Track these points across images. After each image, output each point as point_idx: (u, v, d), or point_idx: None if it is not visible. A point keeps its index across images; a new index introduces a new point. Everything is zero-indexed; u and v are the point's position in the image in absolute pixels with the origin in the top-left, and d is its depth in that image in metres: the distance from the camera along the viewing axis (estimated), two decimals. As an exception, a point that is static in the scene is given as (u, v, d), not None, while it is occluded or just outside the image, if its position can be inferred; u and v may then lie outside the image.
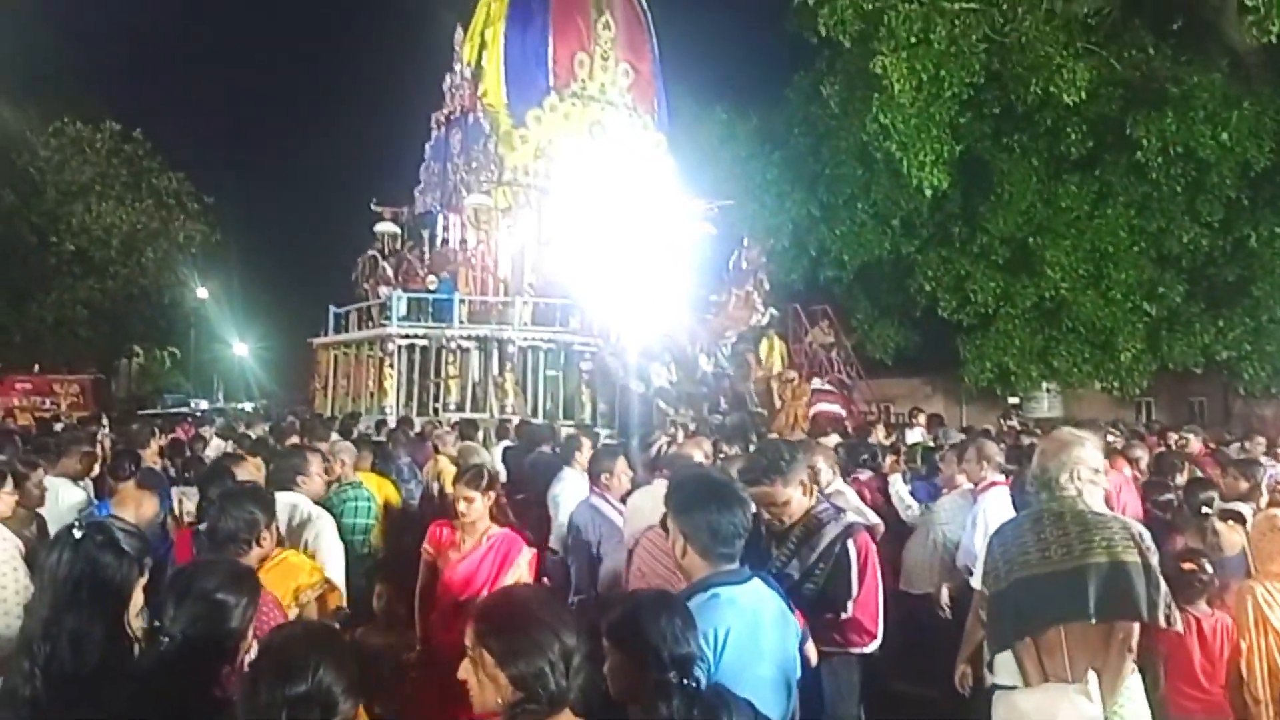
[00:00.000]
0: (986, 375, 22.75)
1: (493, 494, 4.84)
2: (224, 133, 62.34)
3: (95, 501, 6.24)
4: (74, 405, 25.03)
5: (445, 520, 4.99)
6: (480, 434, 12.22)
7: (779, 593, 2.96)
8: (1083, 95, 17.99)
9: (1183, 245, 20.42)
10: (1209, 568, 4.28)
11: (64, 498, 6.01)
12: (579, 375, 17.70)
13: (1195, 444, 8.80)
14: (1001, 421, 16.07)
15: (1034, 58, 18.33)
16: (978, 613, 4.41)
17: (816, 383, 17.59)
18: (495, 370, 17.52)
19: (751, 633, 2.74)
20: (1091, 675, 3.24)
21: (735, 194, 21.86)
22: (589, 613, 4.73)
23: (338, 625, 3.90)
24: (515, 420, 14.10)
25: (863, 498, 6.00)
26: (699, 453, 5.81)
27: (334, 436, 9.37)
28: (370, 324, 19.43)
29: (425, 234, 20.86)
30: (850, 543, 3.74)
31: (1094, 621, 3.26)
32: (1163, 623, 3.27)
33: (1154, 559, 3.33)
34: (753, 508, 3.11)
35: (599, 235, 18.10)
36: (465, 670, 2.10)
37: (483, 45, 20.90)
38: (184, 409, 30.36)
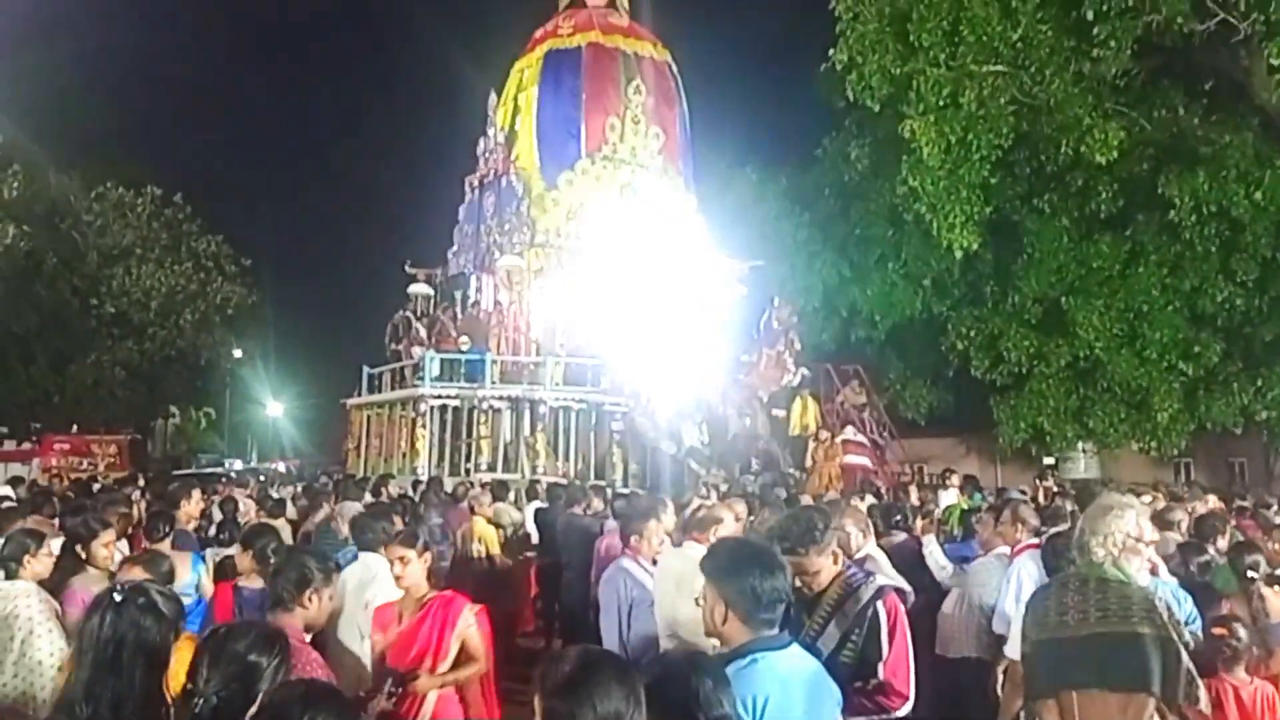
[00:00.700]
0: (1021, 435, 22.52)
1: (429, 556, 4.65)
2: (262, 196, 63.54)
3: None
4: (110, 466, 25.25)
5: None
6: (511, 495, 12.24)
7: (817, 659, 2.94)
8: (1114, 155, 17.97)
9: (1218, 304, 20.25)
10: (1242, 634, 4.20)
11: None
12: (610, 436, 17.70)
13: (1202, 509, 8.63)
14: (1037, 482, 15.89)
15: (1063, 119, 18.34)
16: (1014, 680, 4.36)
17: (849, 432, 17.51)
18: (527, 430, 17.57)
19: (791, 700, 2.72)
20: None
21: (766, 254, 21.94)
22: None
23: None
24: (545, 481, 14.12)
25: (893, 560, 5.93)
26: (730, 515, 5.77)
27: (367, 498, 9.43)
28: (403, 385, 19.56)
29: (458, 295, 21.06)
30: (880, 604, 3.73)
31: (1106, 690, 3.23)
32: (1181, 699, 3.21)
33: (1180, 631, 3.30)
34: (791, 573, 3.10)
35: (630, 296, 18.20)
36: None
37: (516, 110, 21.27)
38: (218, 469, 30.58)
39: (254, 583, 5.27)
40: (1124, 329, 20.82)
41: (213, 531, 8.24)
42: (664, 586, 5.00)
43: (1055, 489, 14.02)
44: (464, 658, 4.49)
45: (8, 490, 12.96)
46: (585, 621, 6.01)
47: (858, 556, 5.19)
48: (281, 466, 31.28)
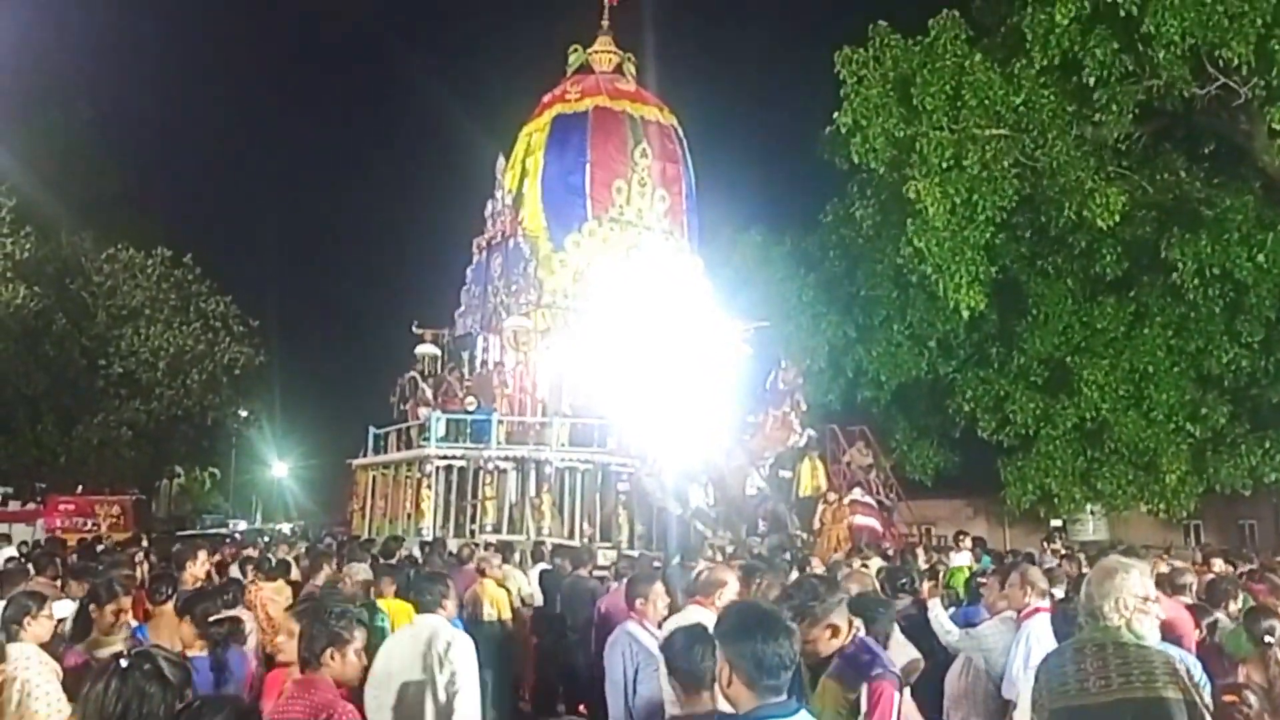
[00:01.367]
0: (1029, 497, 22.40)
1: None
2: (271, 257, 64.20)
3: (132, 625, 6.25)
4: (114, 526, 25.17)
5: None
6: (516, 556, 12.17)
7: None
8: (1116, 218, 18.10)
9: (1224, 366, 20.25)
10: (1253, 700, 4.15)
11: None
12: (616, 497, 17.64)
13: (1189, 576, 8.51)
14: (1045, 545, 15.77)
15: (1066, 182, 18.52)
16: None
17: (856, 493, 17.43)
18: (532, 491, 17.51)
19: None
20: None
21: (771, 315, 22.03)
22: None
23: None
24: (551, 542, 14.04)
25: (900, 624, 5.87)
26: (734, 577, 5.73)
27: (355, 563, 9.40)
28: (409, 445, 19.54)
29: (465, 356, 21.14)
30: (865, 688, 3.67)
31: None
32: None
33: (1202, 694, 3.25)
34: (799, 639, 3.09)
35: (636, 357, 18.24)
36: None
37: (524, 173, 21.52)
38: (222, 530, 30.48)
39: (198, 652, 5.14)
40: (1130, 390, 20.79)
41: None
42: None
43: (1064, 551, 13.91)
44: None
45: (13, 551, 12.95)
46: (591, 686, 5.94)
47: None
48: (286, 527, 31.17)
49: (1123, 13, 17.18)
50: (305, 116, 75.88)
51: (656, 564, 9.10)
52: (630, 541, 16.64)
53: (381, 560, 9.83)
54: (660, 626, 5.36)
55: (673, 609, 5.64)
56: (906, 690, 4.03)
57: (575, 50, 22.87)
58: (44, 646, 4.79)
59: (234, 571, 10.14)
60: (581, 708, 5.40)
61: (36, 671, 4.50)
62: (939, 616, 7.02)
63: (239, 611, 7.35)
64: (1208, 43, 17.18)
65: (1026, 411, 21.87)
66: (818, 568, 9.02)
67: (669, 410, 17.14)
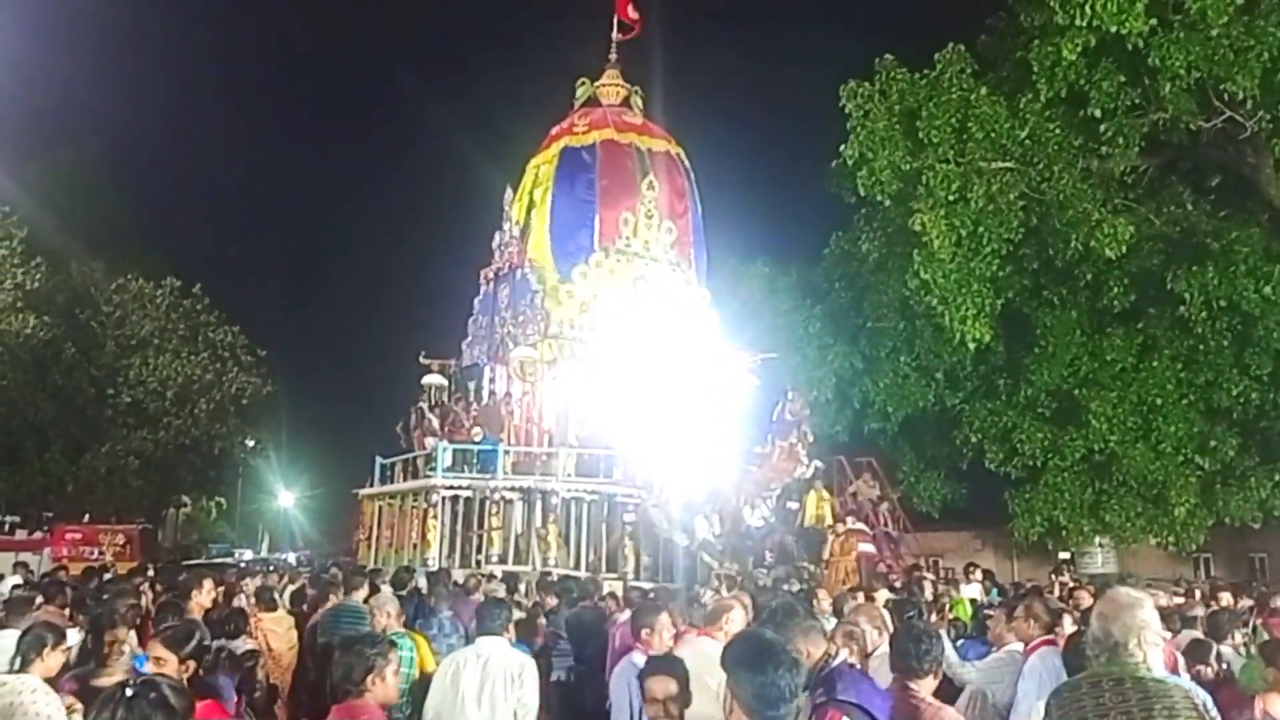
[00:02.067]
0: (1037, 529, 22.29)
1: (193, 663, 4.41)
2: (279, 288, 64.40)
3: (136, 654, 6.25)
4: (120, 555, 25.10)
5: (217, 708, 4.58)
6: (522, 587, 12.12)
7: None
8: (1123, 250, 18.12)
9: (1232, 398, 20.21)
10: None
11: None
12: (623, 527, 17.59)
13: (1198, 610, 8.45)
14: (1053, 577, 15.69)
15: (1072, 214, 18.56)
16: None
17: (850, 522, 17.41)
18: (538, 522, 17.47)
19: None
20: None
21: (778, 347, 22.04)
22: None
23: None
24: (557, 573, 13.99)
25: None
26: (740, 607, 5.72)
27: (384, 589, 9.37)
28: (415, 475, 19.53)
29: (471, 386, 21.14)
30: (816, 715, 3.68)
31: None
32: None
33: None
34: (804, 670, 3.10)
35: (643, 388, 18.25)
36: None
37: (531, 205, 21.62)
38: (228, 559, 30.44)
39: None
40: (1138, 422, 20.73)
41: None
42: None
43: (1072, 584, 13.83)
44: None
45: (18, 579, 12.94)
46: (598, 716, 5.93)
47: (876, 654, 5.13)
48: (291, 557, 31.11)
49: (1128, 46, 17.29)
50: (313, 149, 76.52)
51: (653, 595, 9.07)
52: (636, 572, 16.57)
53: (392, 591, 9.80)
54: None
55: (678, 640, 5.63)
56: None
57: (583, 83, 23.04)
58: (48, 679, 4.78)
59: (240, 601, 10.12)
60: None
61: (44, 703, 4.49)
62: (945, 648, 6.99)
63: (243, 642, 7.36)
64: (1213, 76, 17.29)
65: (1034, 443, 21.80)
66: (825, 600, 8.98)
67: (675, 441, 17.12)
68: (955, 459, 24.70)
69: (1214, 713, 3.26)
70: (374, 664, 3.91)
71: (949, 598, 10.82)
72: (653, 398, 18.06)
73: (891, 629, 5.54)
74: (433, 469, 18.21)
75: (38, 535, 28.72)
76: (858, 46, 21.81)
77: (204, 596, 7.65)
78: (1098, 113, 18.29)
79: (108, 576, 13.87)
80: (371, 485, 20.93)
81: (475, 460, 18.38)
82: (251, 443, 36.65)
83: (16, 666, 4.67)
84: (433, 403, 20.70)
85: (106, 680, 5.07)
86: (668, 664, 4.06)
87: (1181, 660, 6.07)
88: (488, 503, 17.76)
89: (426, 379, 21.17)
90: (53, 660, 4.77)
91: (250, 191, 68.96)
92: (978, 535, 25.88)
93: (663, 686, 3.86)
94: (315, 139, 77.63)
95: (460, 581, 11.88)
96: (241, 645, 7.09)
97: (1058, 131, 18.86)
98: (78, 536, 26.52)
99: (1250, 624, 8.28)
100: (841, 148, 19.93)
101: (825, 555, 16.41)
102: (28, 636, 4.79)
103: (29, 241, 27.48)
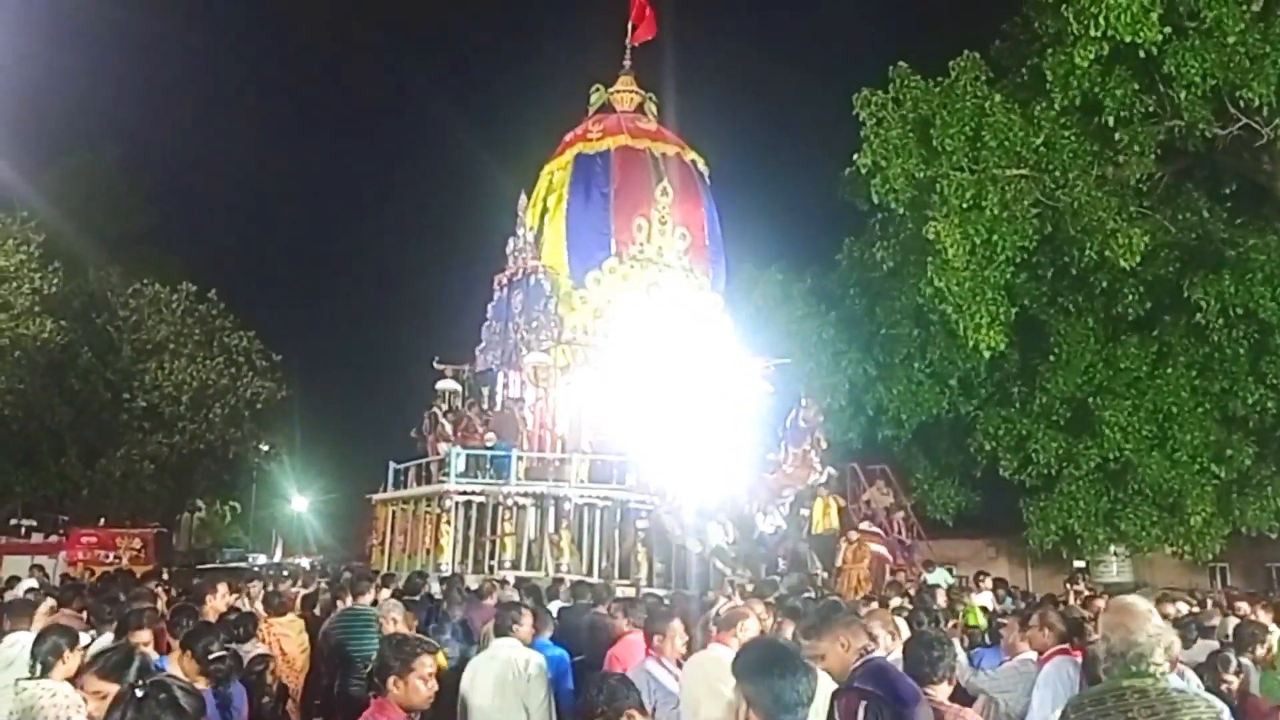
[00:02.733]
0: (1051, 538, 22.19)
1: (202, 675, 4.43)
2: (294, 293, 64.62)
3: (155, 658, 6.28)
4: (135, 559, 25.23)
5: None
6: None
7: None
8: (1138, 258, 18.05)
9: (1249, 407, 20.08)
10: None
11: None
12: (635, 534, 17.58)
13: (1215, 619, 8.37)
14: (1068, 586, 15.63)
15: (1087, 222, 18.50)
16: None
17: (864, 525, 17.38)
18: (551, 528, 17.48)
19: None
20: None
21: (791, 353, 22.01)
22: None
23: None
24: (570, 579, 13.99)
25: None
26: (752, 613, 5.72)
27: (385, 594, 9.40)
28: (429, 480, 19.55)
29: (485, 391, 21.18)
30: (837, 705, 3.91)
31: None
32: None
33: None
34: (817, 676, 3.10)
35: (656, 394, 18.25)
36: None
37: (545, 211, 21.65)
38: (242, 564, 30.51)
39: (200, 684, 5.07)
40: (1154, 431, 20.62)
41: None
42: (690, 687, 4.95)
43: (1087, 593, 13.77)
44: None
45: (33, 582, 13.03)
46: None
47: (888, 659, 5.12)
48: (305, 562, 31.16)
49: (1142, 54, 17.24)
50: (329, 156, 76.75)
51: (667, 602, 9.07)
52: (649, 579, 16.55)
53: (405, 596, 9.85)
54: (679, 664, 5.36)
55: (691, 647, 5.64)
56: None
57: (597, 90, 23.07)
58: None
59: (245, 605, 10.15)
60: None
61: (64, 706, 4.52)
62: (959, 655, 6.98)
63: (253, 645, 7.38)
64: (1229, 83, 17.23)
65: (1049, 451, 21.71)
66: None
67: (689, 447, 17.12)
68: (969, 467, 24.61)
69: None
70: (398, 666, 4.00)
71: (962, 605, 10.78)
72: (666, 404, 18.05)
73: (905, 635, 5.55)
74: (446, 474, 18.23)
75: (54, 539, 28.88)
76: (871, 54, 21.88)
77: (219, 600, 7.69)
78: (1112, 120, 18.25)
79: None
80: (385, 490, 20.97)
81: (488, 466, 18.40)
82: (266, 447, 36.74)
83: (38, 673, 4.71)
84: (447, 408, 20.74)
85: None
86: None
87: (1190, 671, 6.04)
88: (501, 508, 17.77)
89: (440, 384, 21.20)
90: (71, 663, 4.81)
91: (266, 197, 69.11)
92: (992, 544, 25.77)
93: None
94: (331, 145, 77.94)
95: (474, 588, 11.91)
96: (251, 650, 7.11)
97: (1072, 139, 18.80)
98: (93, 540, 26.66)
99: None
100: (855, 155, 19.91)
101: (838, 562, 16.40)
102: (45, 644, 4.84)
103: (46, 246, 27.67)
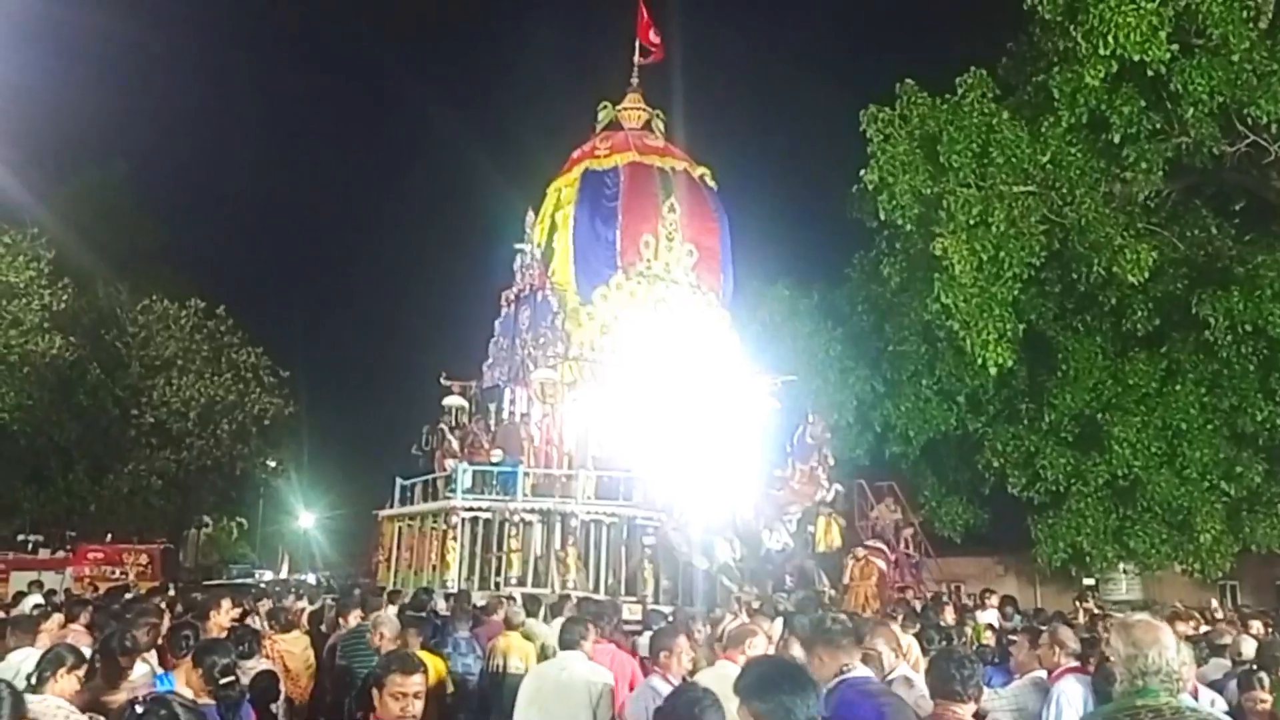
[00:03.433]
0: (1060, 555, 22.06)
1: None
2: (302, 310, 64.77)
3: (159, 673, 6.26)
4: (142, 575, 25.28)
5: None
6: (541, 610, 12.08)
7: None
8: (1146, 275, 18.01)
9: (1258, 424, 19.99)
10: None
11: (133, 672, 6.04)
12: (642, 550, 17.53)
13: (1228, 637, 8.22)
14: (1078, 604, 15.53)
15: (1095, 238, 18.47)
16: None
17: (871, 542, 17.32)
18: (558, 544, 17.43)
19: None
20: None
21: (799, 369, 21.96)
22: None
23: None
24: (576, 595, 13.94)
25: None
26: (762, 631, 5.70)
27: (390, 610, 9.38)
28: (435, 496, 19.53)
29: (492, 407, 21.17)
30: None
31: None
32: None
33: None
34: (822, 693, 3.08)
35: (663, 410, 18.22)
36: None
37: (553, 228, 21.71)
38: (249, 580, 30.53)
39: (207, 701, 5.05)
40: (1163, 448, 20.52)
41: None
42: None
43: (1096, 611, 13.69)
44: None
45: (38, 598, 13.01)
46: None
47: (891, 676, 5.09)
48: (311, 578, 31.14)
49: (1150, 72, 17.25)
50: (337, 172, 77.13)
51: (671, 619, 9.05)
52: (656, 596, 16.49)
53: (410, 612, 9.82)
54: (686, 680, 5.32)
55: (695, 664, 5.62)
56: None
57: (605, 107, 23.14)
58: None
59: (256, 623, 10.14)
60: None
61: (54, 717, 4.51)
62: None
63: (257, 661, 7.36)
64: (1236, 101, 17.22)
65: (1057, 468, 21.62)
66: (845, 624, 8.91)
67: (695, 464, 17.08)
68: (977, 484, 24.51)
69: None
70: (375, 680, 3.99)
71: (971, 623, 10.73)
72: (673, 420, 18.03)
73: (907, 651, 5.52)
74: (453, 490, 18.21)
75: (61, 554, 28.91)
76: (879, 71, 21.88)
77: (223, 616, 7.67)
78: (1119, 137, 18.24)
79: (129, 596, 13.95)
80: (391, 506, 20.95)
81: (495, 482, 18.37)
82: (273, 463, 36.79)
83: (33, 684, 4.69)
84: (453, 424, 20.73)
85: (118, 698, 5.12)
86: None
87: (1209, 690, 5.98)
88: (507, 524, 17.72)
89: (447, 400, 21.20)
90: (65, 683, 4.78)
91: (273, 214, 69.43)
92: (1000, 561, 25.63)
93: None
94: (338, 162, 78.34)
95: (481, 605, 11.87)
96: (255, 666, 7.08)
97: (1080, 156, 18.79)
98: (100, 556, 26.72)
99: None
100: (862, 172, 19.92)
101: (845, 579, 16.34)
102: (49, 655, 4.82)
103: (56, 263, 27.77)
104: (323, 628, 10.46)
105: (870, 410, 24.40)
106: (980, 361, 19.35)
